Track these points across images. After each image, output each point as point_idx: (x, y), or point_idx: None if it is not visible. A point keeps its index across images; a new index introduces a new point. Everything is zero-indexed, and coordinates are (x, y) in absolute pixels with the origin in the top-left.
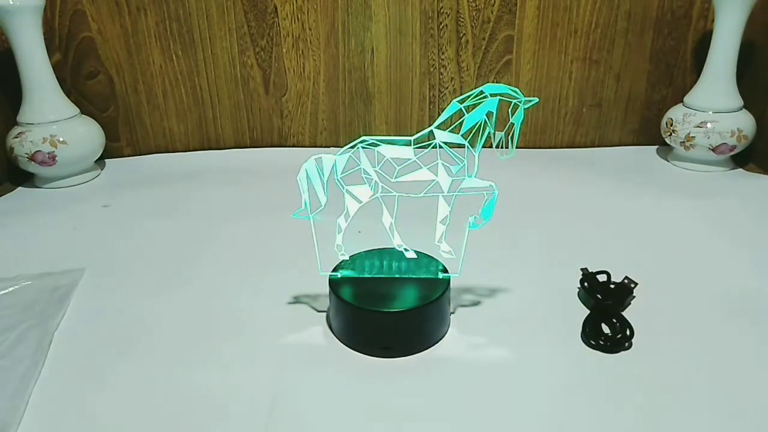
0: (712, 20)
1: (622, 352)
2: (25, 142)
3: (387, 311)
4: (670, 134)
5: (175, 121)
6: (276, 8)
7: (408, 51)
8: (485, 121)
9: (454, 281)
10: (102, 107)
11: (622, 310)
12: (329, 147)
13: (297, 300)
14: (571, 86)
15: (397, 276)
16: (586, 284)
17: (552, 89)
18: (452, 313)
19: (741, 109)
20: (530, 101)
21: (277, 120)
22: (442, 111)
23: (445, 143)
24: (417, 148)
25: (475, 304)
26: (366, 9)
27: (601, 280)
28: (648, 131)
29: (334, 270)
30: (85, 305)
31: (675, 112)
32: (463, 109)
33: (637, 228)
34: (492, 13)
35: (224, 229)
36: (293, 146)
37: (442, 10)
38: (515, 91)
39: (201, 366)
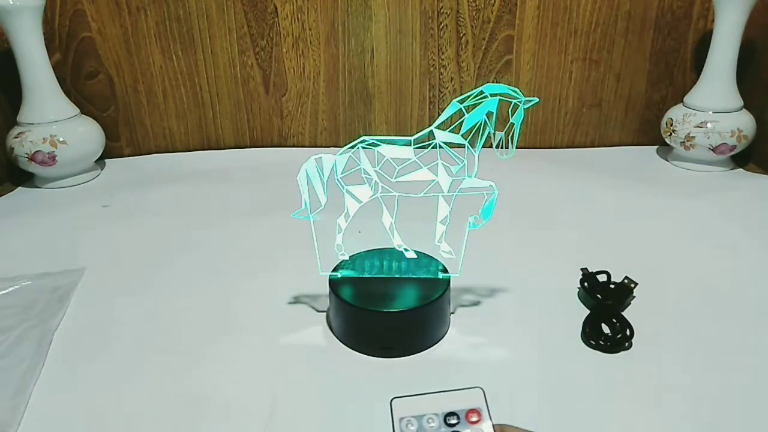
0: (712, 20)
1: (622, 352)
2: (25, 142)
3: (387, 311)
4: (670, 134)
5: (175, 121)
6: (276, 8)
7: (408, 51)
8: (485, 121)
9: (454, 281)
10: (102, 107)
11: (622, 310)
12: (329, 147)
13: (297, 300)
14: (571, 86)
15: (397, 276)
16: (586, 284)
17: (552, 89)
18: (452, 313)
19: (741, 109)
20: (530, 101)
21: (277, 120)
22: (442, 111)
23: (445, 143)
24: (417, 148)
25: (475, 304)
26: (366, 9)
27: (601, 280)
28: (648, 131)
29: (334, 270)
30: (85, 305)
31: (675, 112)
32: (463, 109)
33: (637, 228)
34: (492, 13)
35: (224, 229)
36: (293, 146)
37: (442, 10)
38: (515, 91)
39: (201, 366)
